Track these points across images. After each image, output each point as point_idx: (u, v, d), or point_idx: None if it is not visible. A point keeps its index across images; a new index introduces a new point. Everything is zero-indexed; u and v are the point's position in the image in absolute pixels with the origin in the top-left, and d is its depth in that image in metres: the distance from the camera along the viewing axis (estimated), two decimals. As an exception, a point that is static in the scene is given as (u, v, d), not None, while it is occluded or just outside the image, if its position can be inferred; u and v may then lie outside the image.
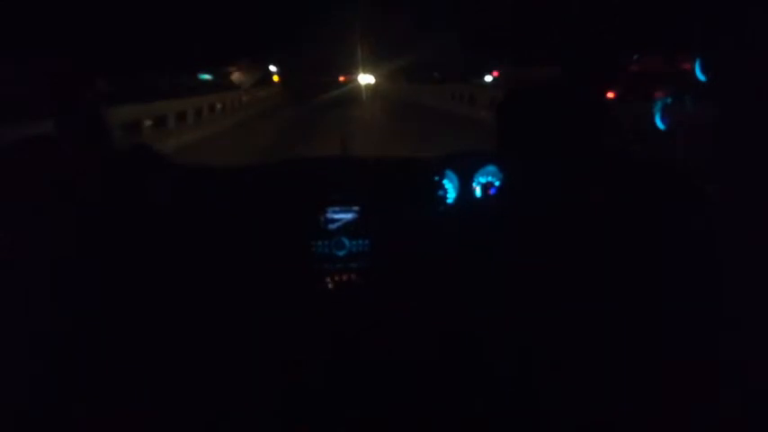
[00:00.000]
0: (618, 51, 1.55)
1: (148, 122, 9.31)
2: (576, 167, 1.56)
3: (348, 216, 1.68)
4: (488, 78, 17.71)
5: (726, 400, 1.05)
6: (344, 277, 1.67)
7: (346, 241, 1.66)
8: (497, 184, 1.77)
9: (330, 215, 1.67)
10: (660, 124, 1.38)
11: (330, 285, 1.66)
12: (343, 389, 1.51)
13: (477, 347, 1.56)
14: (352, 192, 1.69)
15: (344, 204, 1.68)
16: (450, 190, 1.77)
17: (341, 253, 1.66)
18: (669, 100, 1.37)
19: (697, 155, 1.32)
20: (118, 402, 1.17)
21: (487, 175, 1.77)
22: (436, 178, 1.75)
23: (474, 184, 1.77)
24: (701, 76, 1.28)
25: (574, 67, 1.53)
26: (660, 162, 1.38)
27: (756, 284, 1.03)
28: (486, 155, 1.78)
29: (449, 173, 1.76)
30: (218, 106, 14.49)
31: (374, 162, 1.84)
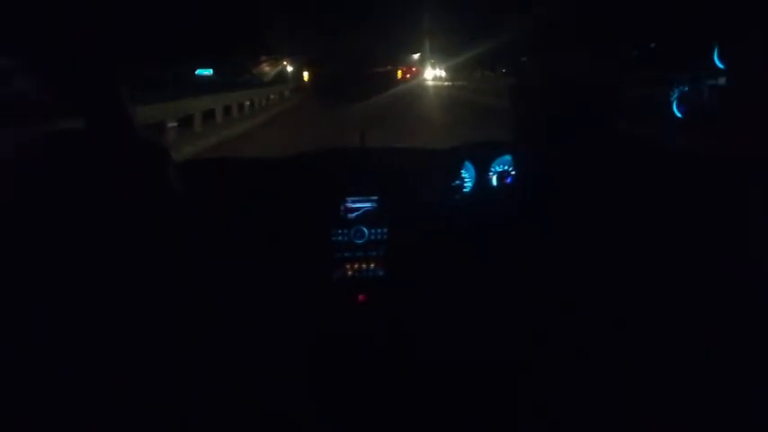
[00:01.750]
0: (635, 38, 1.56)
1: (173, 124, 8.10)
2: (589, 155, 1.57)
3: (367, 205, 1.71)
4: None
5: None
6: (363, 265, 1.70)
7: (365, 230, 1.70)
8: (513, 173, 1.79)
9: (349, 204, 1.70)
10: (677, 112, 1.39)
11: (349, 273, 1.70)
12: (355, 380, 1.55)
13: (492, 339, 1.58)
14: (370, 181, 1.72)
15: (363, 194, 1.71)
16: (467, 179, 1.80)
17: (360, 241, 1.70)
18: (686, 88, 1.37)
19: (713, 142, 1.33)
20: (125, 398, 1.18)
21: (504, 165, 1.79)
22: (453, 168, 1.78)
23: (490, 174, 1.79)
24: (719, 64, 1.29)
25: (594, 54, 1.53)
26: (676, 150, 1.39)
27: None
28: (502, 144, 1.80)
29: (466, 162, 1.78)
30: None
31: (392, 152, 1.87)
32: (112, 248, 1.20)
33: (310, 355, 1.58)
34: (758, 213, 1.07)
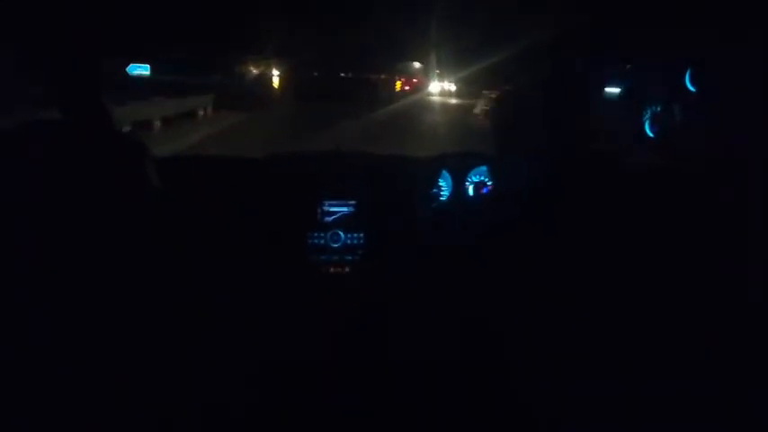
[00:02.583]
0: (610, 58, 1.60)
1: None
2: (562, 168, 1.60)
3: (344, 209, 1.71)
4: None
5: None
6: (339, 269, 1.70)
7: (342, 234, 1.70)
8: (489, 183, 1.81)
9: (326, 208, 1.70)
10: (649, 131, 1.43)
11: (325, 277, 1.69)
12: (337, 380, 1.54)
13: (469, 341, 1.60)
14: (348, 186, 1.73)
15: (341, 198, 1.71)
16: (444, 188, 1.82)
17: (336, 245, 1.70)
18: (659, 108, 1.41)
19: (683, 160, 1.37)
20: (117, 400, 1.17)
21: (480, 176, 1.82)
22: (431, 176, 1.80)
23: (467, 183, 1.82)
24: (690, 87, 1.33)
25: (570, 68, 1.56)
26: (647, 166, 1.43)
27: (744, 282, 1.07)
28: (479, 156, 1.83)
29: (443, 171, 1.80)
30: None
31: (371, 158, 1.88)
32: (110, 247, 1.19)
33: (290, 354, 1.57)
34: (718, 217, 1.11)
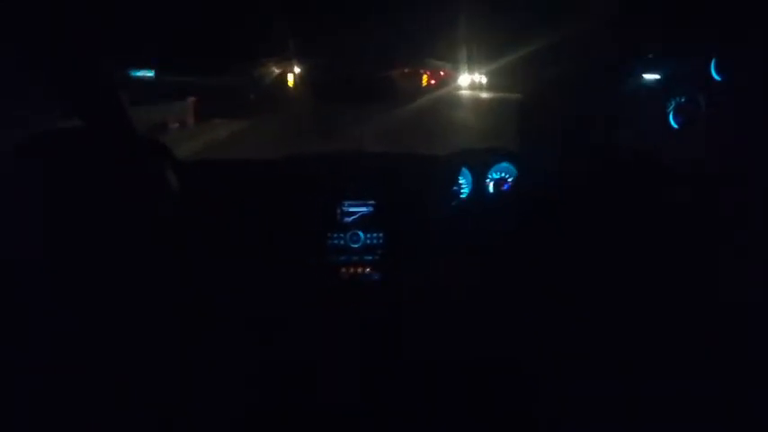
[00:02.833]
0: (633, 50, 1.56)
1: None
2: (587, 163, 1.58)
3: (364, 209, 1.72)
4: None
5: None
6: (359, 269, 1.71)
7: (362, 234, 1.70)
8: (510, 180, 1.79)
9: (346, 208, 1.71)
10: (673, 123, 1.39)
11: (345, 277, 1.70)
12: (352, 381, 1.56)
13: (475, 340, 1.59)
14: (368, 186, 1.73)
15: (360, 198, 1.72)
16: (464, 185, 1.80)
17: (356, 245, 1.70)
18: (683, 99, 1.37)
19: (709, 153, 1.33)
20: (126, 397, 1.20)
21: (501, 172, 1.80)
22: (451, 174, 1.79)
23: (488, 180, 1.80)
24: (716, 76, 1.29)
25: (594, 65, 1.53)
26: (671, 161, 1.39)
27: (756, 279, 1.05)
28: (500, 151, 1.81)
29: (463, 169, 1.79)
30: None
31: (390, 157, 1.87)
32: (112, 248, 1.20)
33: (307, 354, 1.59)
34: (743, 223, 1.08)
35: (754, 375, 1.03)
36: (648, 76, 1.54)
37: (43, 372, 1.10)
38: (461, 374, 1.57)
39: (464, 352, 1.60)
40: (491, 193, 1.80)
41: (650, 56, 1.57)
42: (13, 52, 1.20)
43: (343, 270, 1.70)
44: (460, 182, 1.80)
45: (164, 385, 1.27)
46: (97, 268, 1.18)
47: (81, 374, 1.13)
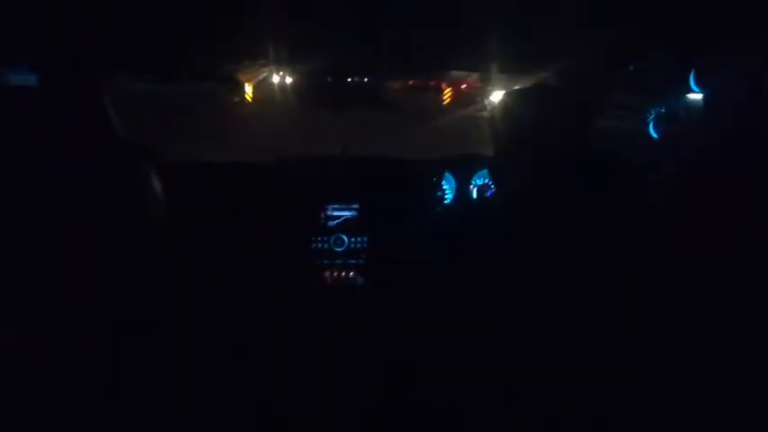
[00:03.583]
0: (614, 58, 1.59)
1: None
2: (564, 170, 1.60)
3: (347, 213, 1.71)
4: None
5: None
6: (343, 273, 1.70)
7: (345, 238, 1.70)
8: (493, 186, 1.81)
9: (330, 212, 1.70)
10: (653, 133, 1.42)
11: (328, 281, 1.69)
12: (337, 386, 1.54)
13: (472, 346, 1.59)
14: (352, 189, 1.73)
15: (344, 202, 1.71)
16: (448, 191, 1.81)
17: (340, 249, 1.69)
18: (663, 110, 1.40)
19: (688, 164, 1.36)
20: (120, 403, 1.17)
21: (484, 178, 1.81)
22: (435, 179, 1.79)
23: (471, 186, 1.81)
24: (695, 88, 1.33)
25: (571, 71, 1.55)
26: (650, 169, 1.42)
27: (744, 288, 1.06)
28: (482, 158, 1.83)
29: (447, 175, 1.80)
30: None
31: (374, 161, 1.87)
32: (100, 249, 1.19)
33: (295, 356, 1.57)
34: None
35: (754, 375, 1.05)
36: (629, 88, 1.58)
37: (42, 371, 1.06)
38: (444, 380, 1.57)
39: (447, 358, 1.59)
40: (474, 199, 1.81)
41: (630, 67, 1.60)
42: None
43: (327, 273, 1.69)
44: (444, 187, 1.81)
45: (164, 385, 1.24)
46: (89, 267, 1.16)
47: (80, 374, 1.11)
